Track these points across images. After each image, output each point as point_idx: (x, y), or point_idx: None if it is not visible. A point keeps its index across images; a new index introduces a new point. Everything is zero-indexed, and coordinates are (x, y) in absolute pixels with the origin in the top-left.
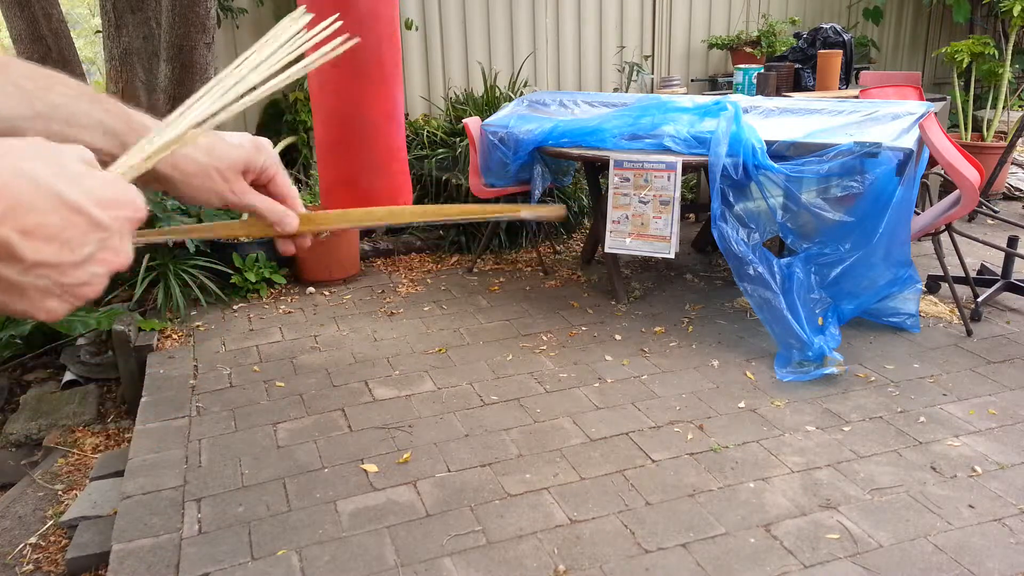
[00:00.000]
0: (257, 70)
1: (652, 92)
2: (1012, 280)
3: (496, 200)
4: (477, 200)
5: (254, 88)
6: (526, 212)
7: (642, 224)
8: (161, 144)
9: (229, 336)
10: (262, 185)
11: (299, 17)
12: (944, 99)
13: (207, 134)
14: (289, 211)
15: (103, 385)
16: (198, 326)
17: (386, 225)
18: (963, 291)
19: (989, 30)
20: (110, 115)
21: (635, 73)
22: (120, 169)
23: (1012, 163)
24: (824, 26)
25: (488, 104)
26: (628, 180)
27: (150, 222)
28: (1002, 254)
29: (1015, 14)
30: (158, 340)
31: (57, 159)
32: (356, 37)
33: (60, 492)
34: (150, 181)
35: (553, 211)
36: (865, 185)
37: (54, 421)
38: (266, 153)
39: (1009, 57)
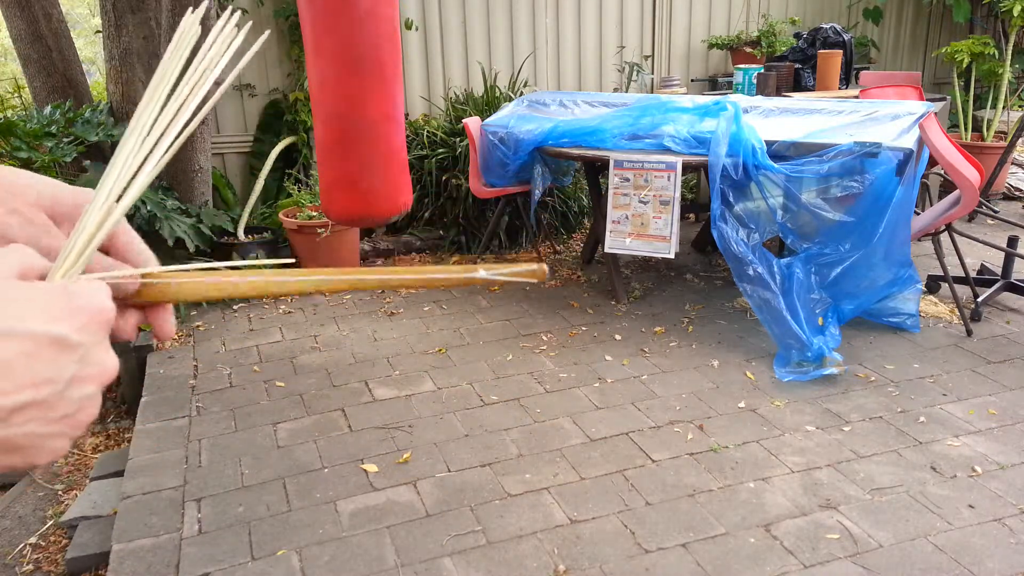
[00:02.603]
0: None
1: (652, 92)
2: (1012, 280)
3: (496, 200)
4: (478, 201)
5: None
6: (484, 271)
7: (642, 224)
8: (91, 231)
9: (229, 336)
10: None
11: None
12: (944, 99)
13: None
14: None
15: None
16: (198, 326)
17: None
18: (963, 291)
19: (989, 30)
20: (38, 221)
21: (635, 73)
22: (60, 274)
23: (1012, 163)
24: (824, 26)
25: (488, 104)
26: (628, 180)
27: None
28: (1002, 254)
29: (1015, 14)
30: (158, 340)
31: None
32: (243, 25)
33: (60, 492)
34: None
35: (530, 269)
36: (865, 185)
37: None
38: (82, 199)
39: (1009, 57)
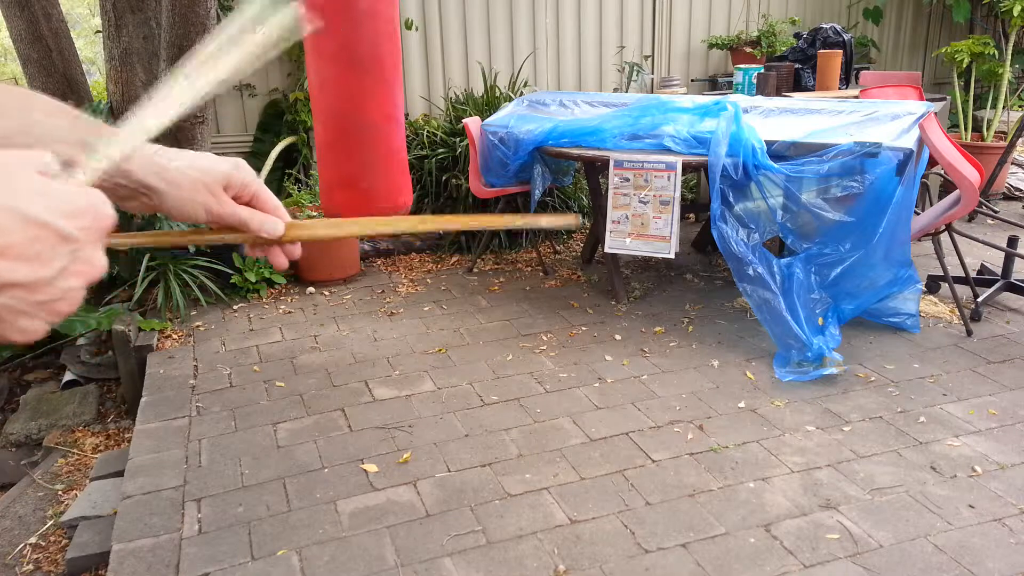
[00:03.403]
0: (211, 64)
1: (652, 92)
2: (1012, 280)
3: (496, 200)
4: (477, 202)
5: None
6: (543, 220)
7: (642, 224)
8: (118, 146)
9: (229, 336)
10: (246, 202)
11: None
12: (944, 99)
13: (184, 153)
14: (273, 217)
15: (103, 385)
16: (198, 326)
17: (382, 233)
18: (963, 291)
19: (989, 30)
20: (86, 131)
21: (635, 73)
22: (82, 175)
23: (1012, 163)
24: (824, 26)
25: (488, 104)
26: (628, 180)
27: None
28: (1002, 254)
29: (1015, 14)
30: (158, 340)
31: (12, 175)
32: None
33: (60, 492)
34: (137, 194)
35: (566, 220)
36: (865, 185)
37: (54, 421)
38: (244, 171)
39: (1009, 57)
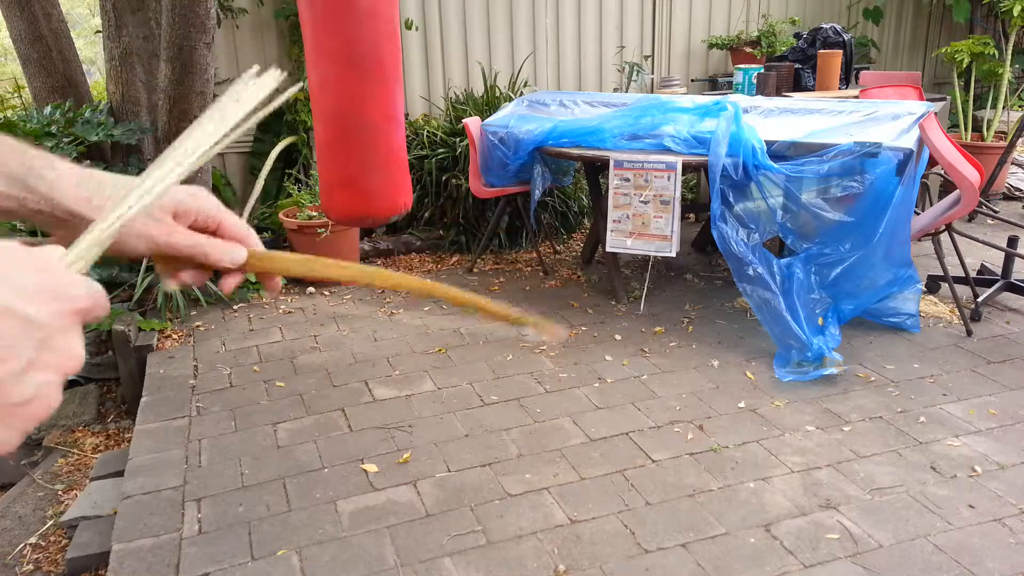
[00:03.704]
0: (211, 132)
1: (652, 92)
2: (1012, 280)
3: (496, 200)
4: (477, 201)
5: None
6: (530, 324)
7: (643, 223)
8: (112, 221)
9: (229, 336)
10: (211, 232)
11: (256, 77)
12: (944, 99)
13: (121, 179)
14: (235, 245)
15: (103, 385)
16: (198, 326)
17: (359, 281)
18: (963, 291)
19: (989, 30)
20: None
21: (635, 73)
22: (71, 258)
23: (1012, 163)
24: (824, 26)
25: (488, 104)
26: (628, 180)
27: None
28: (1002, 254)
29: (1015, 14)
30: (158, 340)
31: None
32: (295, 87)
33: (60, 492)
34: (61, 223)
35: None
36: (865, 185)
37: (54, 421)
38: (203, 200)
39: (1009, 57)
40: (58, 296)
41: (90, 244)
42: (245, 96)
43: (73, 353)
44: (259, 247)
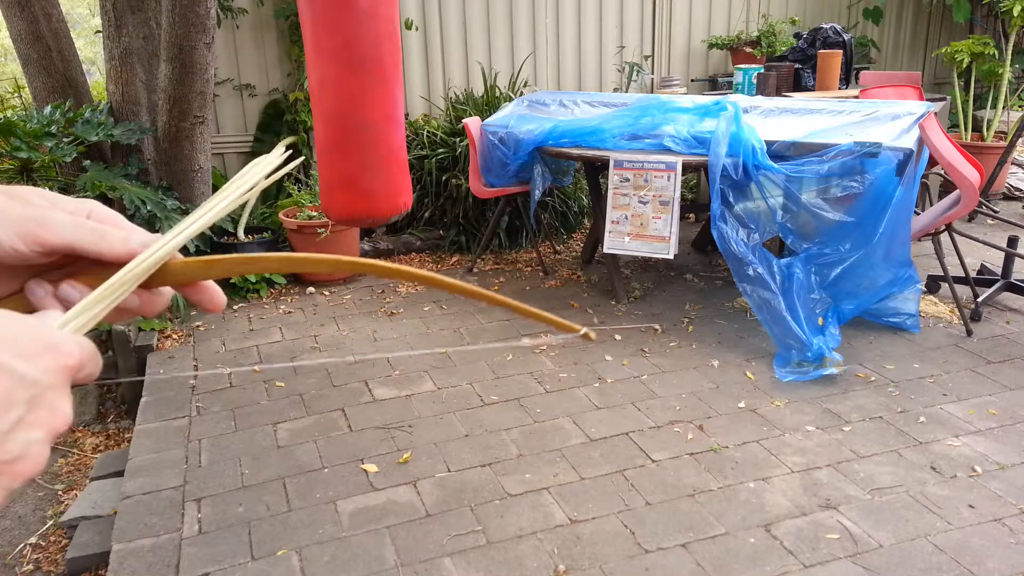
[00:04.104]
0: (214, 209)
1: (652, 92)
2: (1012, 280)
3: (496, 200)
4: (477, 201)
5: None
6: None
7: (642, 224)
8: (113, 290)
9: (229, 336)
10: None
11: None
12: (944, 99)
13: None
14: (136, 230)
15: (103, 385)
16: (198, 326)
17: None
18: (963, 291)
19: (989, 30)
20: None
21: (635, 73)
22: (70, 326)
23: (1012, 163)
24: (824, 26)
25: (488, 104)
26: (628, 180)
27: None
28: (1002, 254)
29: (1015, 14)
30: (158, 340)
31: None
32: (299, 160)
33: (60, 492)
34: None
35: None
36: (865, 185)
37: None
38: (92, 202)
39: (1009, 57)
40: (49, 352)
41: (85, 309)
42: (252, 172)
43: (62, 411)
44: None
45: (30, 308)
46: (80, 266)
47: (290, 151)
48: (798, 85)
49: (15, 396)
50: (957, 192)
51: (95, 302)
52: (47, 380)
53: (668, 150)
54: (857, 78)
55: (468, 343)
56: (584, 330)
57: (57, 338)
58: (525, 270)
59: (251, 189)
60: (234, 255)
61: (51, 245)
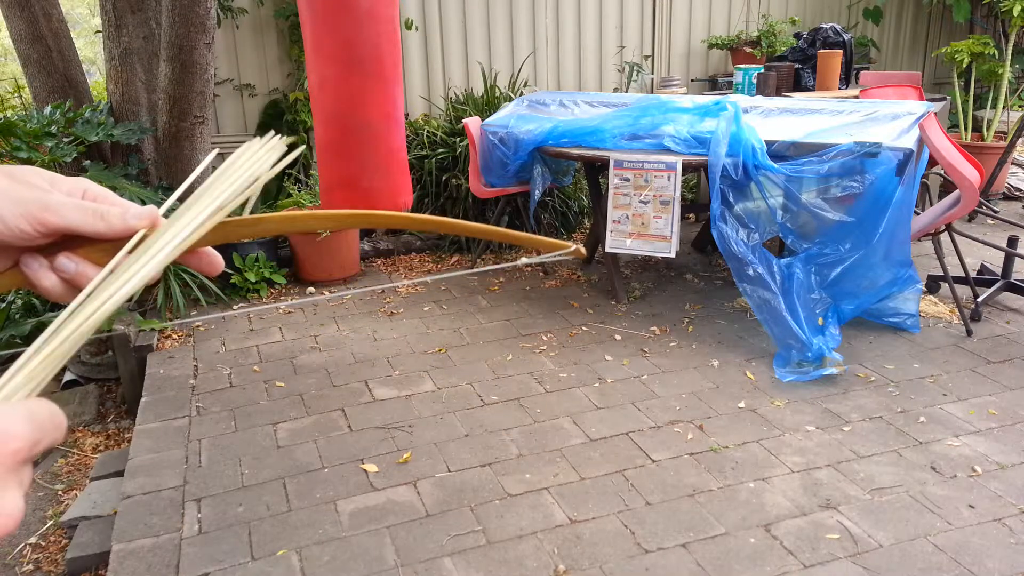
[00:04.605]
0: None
1: (652, 92)
2: (1012, 280)
3: (496, 200)
4: (478, 202)
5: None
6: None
7: (642, 224)
8: (47, 354)
9: (229, 336)
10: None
11: (263, 145)
12: (944, 99)
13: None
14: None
15: (103, 385)
16: (198, 326)
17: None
18: (963, 291)
19: (989, 30)
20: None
21: (635, 73)
22: (8, 390)
23: (1012, 163)
24: (824, 26)
25: (488, 104)
26: (628, 180)
27: None
28: (1002, 254)
29: (1015, 14)
30: (158, 340)
31: None
32: (300, 147)
33: (60, 492)
34: None
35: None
36: (865, 185)
37: None
38: (86, 181)
39: (1009, 57)
40: None
41: (33, 370)
42: (245, 160)
43: (9, 507)
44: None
45: (24, 282)
46: (76, 240)
47: (278, 137)
48: (798, 85)
49: None
50: (957, 192)
51: (40, 359)
52: None
53: (668, 150)
54: (857, 78)
55: (468, 343)
56: (575, 247)
57: (6, 421)
58: (525, 270)
59: (255, 182)
60: (240, 217)
61: (55, 227)
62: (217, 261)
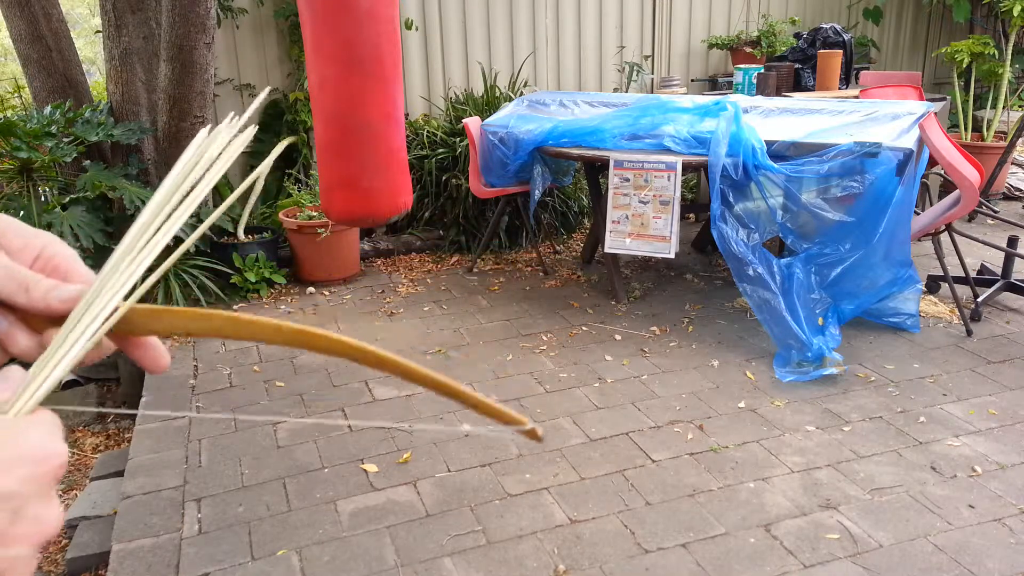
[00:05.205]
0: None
1: (652, 92)
2: (1012, 280)
3: (496, 200)
4: (478, 201)
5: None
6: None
7: (642, 224)
8: (56, 360)
9: None
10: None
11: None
12: (944, 99)
13: None
14: (64, 284)
15: (103, 385)
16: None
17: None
18: (963, 291)
19: (989, 30)
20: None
21: (635, 73)
22: (17, 409)
23: (1012, 163)
24: (824, 26)
25: (488, 104)
26: (628, 180)
27: None
28: (1002, 254)
29: (1015, 14)
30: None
31: None
32: (253, 127)
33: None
34: None
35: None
36: (865, 185)
37: None
38: (48, 237)
39: (1009, 57)
40: (30, 459)
41: (39, 383)
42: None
43: (49, 519)
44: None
45: None
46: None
47: (255, 127)
48: (798, 85)
49: None
50: (957, 192)
51: (40, 368)
52: (27, 491)
53: (668, 150)
54: (857, 78)
55: (468, 343)
56: (531, 426)
57: (34, 442)
58: (525, 270)
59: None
60: (188, 309)
61: None
62: (163, 358)
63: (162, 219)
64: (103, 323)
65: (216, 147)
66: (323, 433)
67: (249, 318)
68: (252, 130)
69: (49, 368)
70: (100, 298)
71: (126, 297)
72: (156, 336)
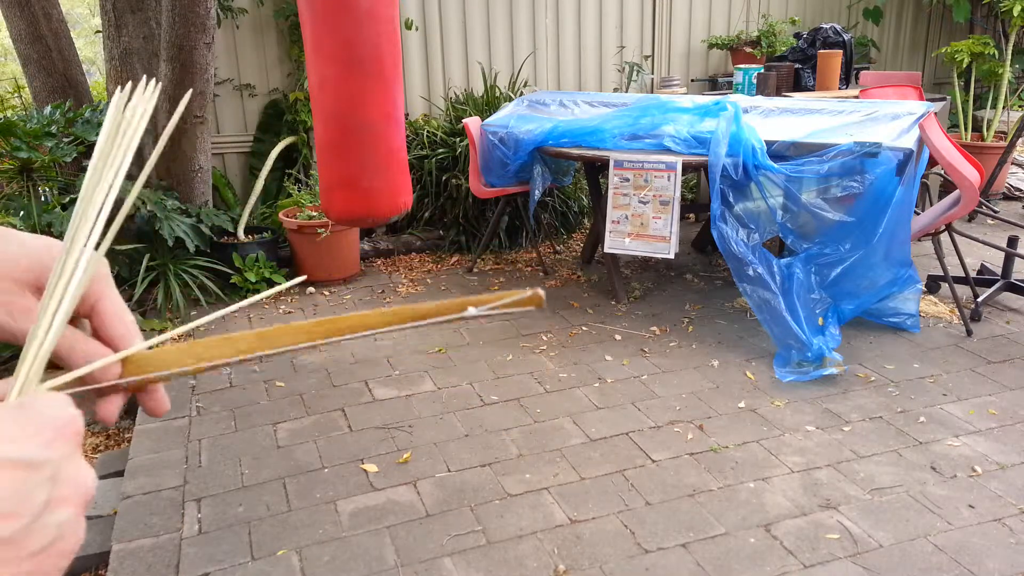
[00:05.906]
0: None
1: (652, 92)
2: (1012, 280)
3: (496, 200)
4: (478, 201)
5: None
6: (473, 309)
7: (642, 224)
8: (43, 333)
9: None
10: (82, 315)
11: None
12: (944, 99)
13: None
14: (106, 350)
15: None
16: (198, 327)
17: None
18: (963, 291)
19: (989, 30)
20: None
21: (635, 73)
22: (18, 387)
23: (1012, 163)
24: (824, 26)
25: (488, 104)
26: (628, 180)
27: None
28: (1002, 254)
29: (1015, 14)
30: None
31: None
32: (189, 91)
33: None
34: None
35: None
36: (865, 185)
37: None
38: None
39: (1009, 57)
40: (50, 426)
41: (33, 357)
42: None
43: (85, 479)
44: (138, 340)
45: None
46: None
47: (159, 84)
48: (798, 85)
49: (31, 482)
50: (957, 192)
51: (32, 338)
52: (56, 455)
53: (668, 150)
54: (857, 78)
55: (468, 343)
56: (531, 292)
57: (48, 412)
58: (525, 270)
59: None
60: (211, 339)
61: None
62: (165, 403)
63: (110, 173)
64: (81, 276)
65: (131, 108)
66: (323, 433)
67: (275, 329)
68: (158, 88)
69: (41, 335)
70: (71, 255)
71: (96, 247)
72: (185, 376)
